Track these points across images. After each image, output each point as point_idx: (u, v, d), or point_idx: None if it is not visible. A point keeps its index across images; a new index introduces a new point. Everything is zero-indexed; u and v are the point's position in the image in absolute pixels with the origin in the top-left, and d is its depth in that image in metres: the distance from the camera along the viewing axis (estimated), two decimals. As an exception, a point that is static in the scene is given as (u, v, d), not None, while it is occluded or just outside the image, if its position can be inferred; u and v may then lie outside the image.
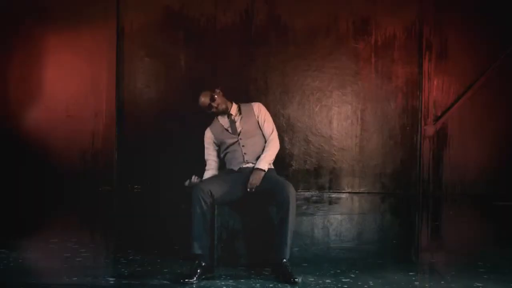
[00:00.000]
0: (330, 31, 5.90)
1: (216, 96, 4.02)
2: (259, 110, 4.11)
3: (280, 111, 5.85)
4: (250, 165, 3.95)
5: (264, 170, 3.85)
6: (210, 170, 4.10)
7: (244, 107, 4.13)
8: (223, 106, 4.06)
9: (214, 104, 4.02)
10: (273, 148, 4.01)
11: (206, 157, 4.15)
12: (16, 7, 6.04)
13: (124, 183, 5.97)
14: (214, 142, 4.12)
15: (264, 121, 4.08)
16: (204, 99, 4.04)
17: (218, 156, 4.15)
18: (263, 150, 4.01)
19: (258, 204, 3.88)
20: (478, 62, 5.89)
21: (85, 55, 5.97)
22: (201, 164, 4.15)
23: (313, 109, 5.91)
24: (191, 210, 3.64)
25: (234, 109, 4.10)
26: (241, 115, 4.07)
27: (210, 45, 5.92)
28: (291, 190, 3.64)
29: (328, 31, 5.90)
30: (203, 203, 3.63)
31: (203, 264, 3.57)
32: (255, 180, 3.81)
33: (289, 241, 3.57)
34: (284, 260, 3.54)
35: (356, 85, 5.90)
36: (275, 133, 4.09)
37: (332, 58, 5.88)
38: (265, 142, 4.06)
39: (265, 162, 3.90)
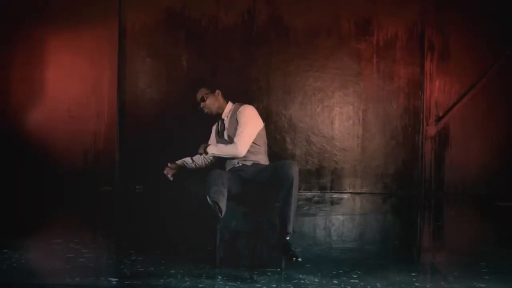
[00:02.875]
0: (332, 31, 5.90)
1: (207, 98, 4.04)
2: (240, 113, 3.95)
3: (282, 111, 5.86)
4: (241, 165, 3.93)
5: (206, 152, 3.94)
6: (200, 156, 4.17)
7: (234, 109, 4.05)
8: (213, 110, 4.06)
9: (202, 105, 4.06)
10: (229, 147, 3.87)
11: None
12: (16, 7, 6.05)
13: (126, 183, 5.98)
14: (214, 140, 4.16)
15: (238, 129, 3.91)
16: (197, 95, 4.10)
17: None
18: (255, 151, 3.93)
19: (260, 205, 3.87)
20: (479, 62, 5.91)
21: (87, 55, 5.99)
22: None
23: (315, 110, 5.92)
24: (208, 179, 3.56)
25: (226, 111, 4.07)
26: (229, 119, 4.04)
27: (211, 45, 5.93)
28: (294, 167, 3.56)
29: (329, 31, 5.90)
30: (223, 175, 3.61)
31: (221, 207, 3.46)
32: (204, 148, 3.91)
33: (291, 216, 3.56)
34: (288, 233, 3.55)
35: (358, 85, 5.90)
36: (240, 139, 3.85)
37: (334, 59, 5.89)
38: (257, 143, 3.96)
39: (213, 149, 3.95)
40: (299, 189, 5.83)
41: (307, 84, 5.92)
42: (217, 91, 4.08)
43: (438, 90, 5.94)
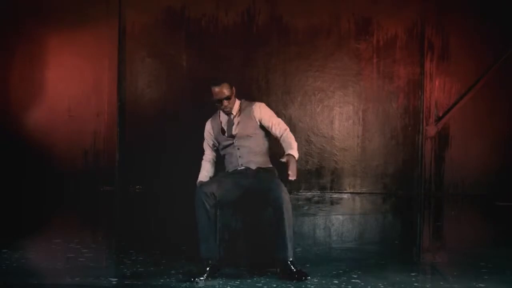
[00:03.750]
0: (332, 31, 5.90)
1: (232, 97, 3.87)
2: (261, 112, 3.90)
3: (282, 111, 5.85)
4: (244, 168, 3.88)
5: (295, 158, 3.68)
6: (207, 162, 4.05)
7: (245, 106, 3.94)
8: (230, 108, 3.90)
9: (226, 103, 3.85)
10: (294, 141, 3.82)
11: (204, 146, 4.11)
12: (16, 7, 6.04)
13: (125, 183, 5.97)
14: (212, 136, 4.04)
15: (271, 123, 3.88)
16: (223, 91, 3.82)
17: (216, 149, 4.07)
18: (259, 151, 3.90)
19: (260, 205, 3.87)
20: (480, 62, 5.90)
21: (87, 55, 5.98)
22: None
23: (315, 110, 5.92)
24: (195, 213, 3.63)
25: (235, 107, 3.93)
26: (240, 116, 3.91)
27: (211, 45, 5.92)
28: (283, 194, 3.58)
29: (329, 31, 5.90)
30: (207, 205, 3.61)
31: (212, 264, 3.57)
32: (294, 169, 3.61)
33: (288, 243, 3.54)
34: (289, 260, 3.53)
35: (358, 85, 5.90)
36: (285, 126, 3.89)
37: (334, 59, 5.89)
38: (263, 143, 3.92)
39: (296, 151, 3.73)
40: (299, 190, 5.91)
41: (307, 84, 5.92)
42: (233, 88, 3.89)
43: (438, 90, 5.94)
